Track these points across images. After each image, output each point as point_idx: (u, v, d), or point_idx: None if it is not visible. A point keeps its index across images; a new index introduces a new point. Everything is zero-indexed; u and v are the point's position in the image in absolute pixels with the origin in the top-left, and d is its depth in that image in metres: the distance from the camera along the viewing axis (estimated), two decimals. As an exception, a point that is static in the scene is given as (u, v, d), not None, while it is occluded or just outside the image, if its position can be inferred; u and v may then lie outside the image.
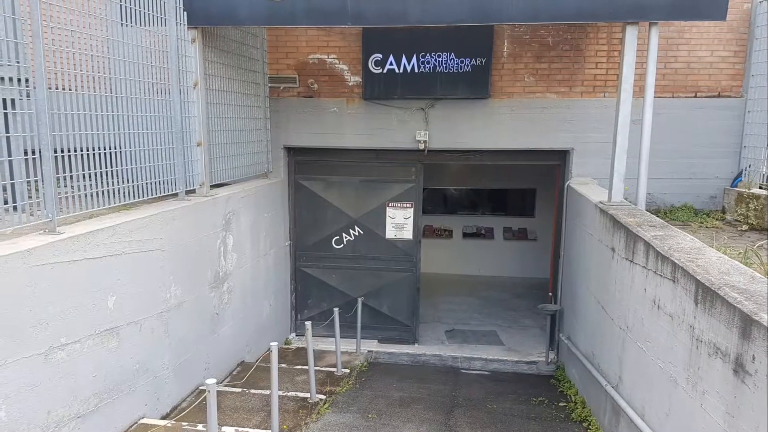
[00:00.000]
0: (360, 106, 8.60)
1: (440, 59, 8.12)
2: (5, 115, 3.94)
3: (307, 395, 6.37)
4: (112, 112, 5.02)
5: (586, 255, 6.84)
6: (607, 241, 5.85)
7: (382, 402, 6.75)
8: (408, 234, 9.16)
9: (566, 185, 8.21)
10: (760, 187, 7.34)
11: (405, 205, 9.11)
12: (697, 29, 7.91)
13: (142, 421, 5.15)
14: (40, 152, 4.15)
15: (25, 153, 4.08)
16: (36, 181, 4.18)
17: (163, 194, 5.79)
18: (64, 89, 4.41)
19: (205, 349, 6.40)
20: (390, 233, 9.19)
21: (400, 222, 9.15)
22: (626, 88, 6.11)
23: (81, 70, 4.59)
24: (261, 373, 6.88)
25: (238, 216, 7.20)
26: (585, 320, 6.90)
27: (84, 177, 4.64)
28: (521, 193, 13.42)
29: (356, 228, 9.26)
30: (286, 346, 9.02)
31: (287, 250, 9.27)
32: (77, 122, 4.56)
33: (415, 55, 8.15)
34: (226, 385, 6.64)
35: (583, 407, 6.56)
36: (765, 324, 2.99)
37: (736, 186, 7.86)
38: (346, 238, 9.31)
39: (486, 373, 8.45)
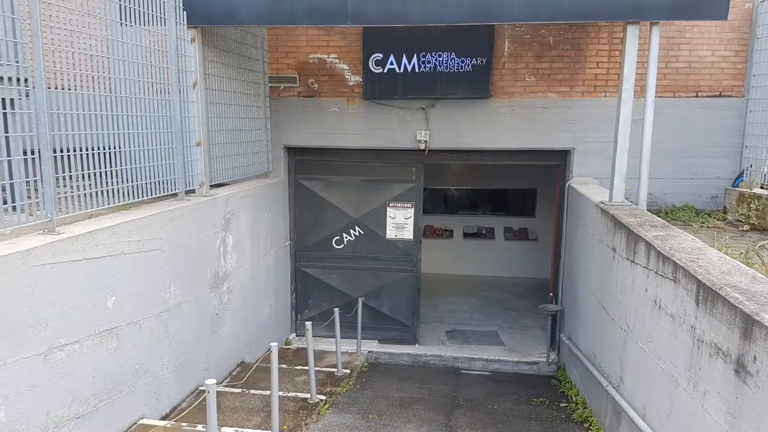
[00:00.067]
0: (360, 106, 8.59)
1: (441, 59, 8.11)
2: (4, 114, 3.93)
3: (308, 396, 6.36)
4: (112, 111, 5.02)
5: (587, 255, 6.83)
6: (608, 241, 5.83)
7: (382, 402, 6.73)
8: (408, 234, 9.15)
9: (567, 185, 8.19)
10: (762, 187, 7.32)
11: (405, 205, 9.10)
12: (698, 29, 7.89)
13: (141, 421, 5.14)
14: (39, 152, 4.14)
15: (25, 153, 4.07)
16: (35, 181, 4.17)
17: (162, 194, 5.78)
18: (63, 89, 4.40)
19: (204, 350, 6.39)
20: (390, 233, 9.18)
21: (400, 222, 9.13)
22: (627, 87, 6.10)
23: (80, 70, 4.59)
24: (261, 373, 6.87)
25: (238, 216, 7.19)
26: (586, 320, 6.88)
27: (83, 177, 4.63)
28: (522, 193, 13.41)
29: (357, 228, 9.25)
30: (287, 347, 9.01)
31: (287, 250, 9.26)
32: (76, 122, 4.55)
33: (415, 55, 8.14)
34: (225, 386, 6.63)
35: (584, 408, 6.54)
36: (766, 324, 2.97)
37: (737, 186, 7.84)
38: (346, 238, 9.30)
39: (487, 373, 8.43)
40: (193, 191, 6.40)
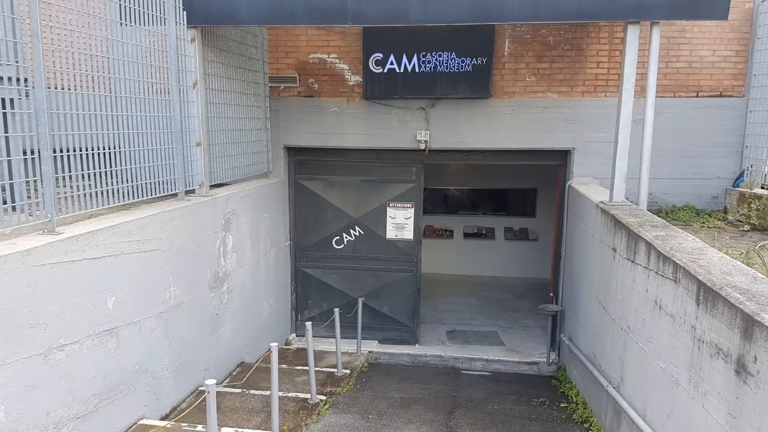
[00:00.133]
0: (360, 106, 8.58)
1: (441, 59, 8.11)
2: (4, 114, 3.92)
3: (308, 396, 6.35)
4: (112, 111, 5.01)
5: (588, 255, 6.82)
6: (609, 242, 5.83)
7: (382, 403, 6.73)
8: (408, 234, 9.14)
9: (567, 185, 8.19)
10: (762, 187, 7.31)
11: (405, 205, 9.09)
12: (698, 29, 7.89)
13: (141, 421, 5.14)
14: (39, 152, 4.14)
15: (24, 153, 4.07)
16: (35, 181, 4.17)
17: (162, 194, 5.78)
18: (63, 89, 4.40)
19: (204, 350, 6.38)
20: (390, 233, 9.18)
21: (400, 222, 9.13)
22: (628, 87, 6.09)
23: (80, 70, 4.58)
24: (261, 373, 6.88)
25: (238, 216, 7.18)
26: (586, 321, 6.88)
27: (83, 177, 4.63)
28: (522, 193, 13.40)
29: (357, 228, 9.25)
30: (287, 347, 9.00)
31: (287, 250, 9.25)
32: (76, 122, 4.55)
33: (415, 55, 8.13)
34: (225, 386, 6.63)
35: (585, 408, 6.54)
36: (767, 325, 2.97)
37: (738, 186, 7.84)
38: (346, 238, 9.30)
39: (487, 373, 8.42)
40: (193, 191, 6.40)
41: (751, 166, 7.65)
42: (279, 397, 5.36)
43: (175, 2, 5.86)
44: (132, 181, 5.28)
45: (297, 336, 9.51)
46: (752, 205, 6.97)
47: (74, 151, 4.49)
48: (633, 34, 5.97)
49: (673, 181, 8.14)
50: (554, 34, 8.06)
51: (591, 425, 6.12)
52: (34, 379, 3.93)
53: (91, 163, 4.69)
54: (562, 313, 8.30)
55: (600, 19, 7.09)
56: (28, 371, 3.89)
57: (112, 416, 4.79)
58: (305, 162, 9.19)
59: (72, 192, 4.55)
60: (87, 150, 4.64)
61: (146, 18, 5.43)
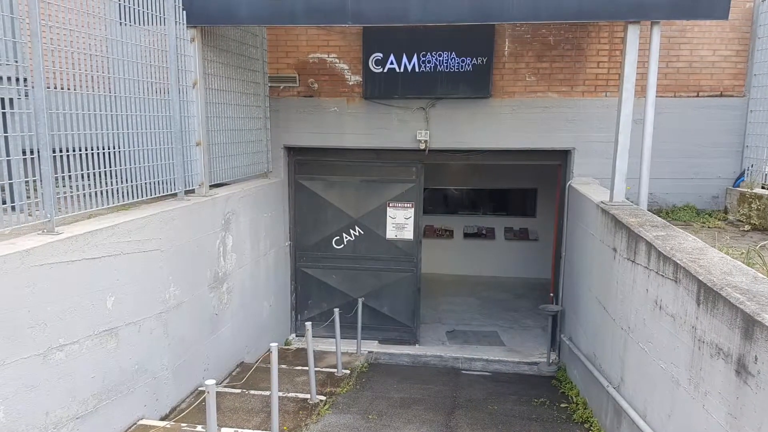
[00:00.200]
0: (360, 106, 8.58)
1: (441, 58, 8.10)
2: (3, 114, 3.92)
3: (308, 396, 6.35)
4: (111, 111, 5.01)
5: (588, 255, 6.82)
6: (609, 242, 5.82)
7: (382, 403, 6.72)
8: (408, 234, 9.14)
9: (568, 185, 8.18)
10: (763, 187, 7.31)
11: (405, 205, 9.09)
12: (699, 28, 7.88)
13: (141, 422, 5.13)
14: (38, 152, 4.13)
15: (24, 152, 4.06)
16: (34, 180, 4.16)
17: (162, 194, 5.77)
18: (62, 88, 4.39)
19: (204, 350, 6.38)
20: (390, 233, 9.17)
21: (400, 222, 9.12)
22: (628, 87, 6.08)
23: (79, 70, 4.58)
24: (261, 373, 6.87)
25: (238, 216, 7.18)
26: (586, 321, 6.87)
27: (83, 177, 4.62)
28: (522, 193, 13.40)
29: (357, 228, 9.24)
30: (286, 347, 9.00)
31: (287, 250, 9.25)
32: (76, 122, 4.54)
33: (415, 55, 8.13)
34: (225, 386, 6.62)
35: (585, 408, 6.53)
36: (768, 325, 2.96)
37: (738, 186, 7.83)
38: (346, 238, 9.29)
39: (487, 373, 8.42)
40: (192, 191, 6.39)
41: (752, 165, 7.64)
42: (279, 397, 5.36)
43: (175, 2, 5.85)
44: (131, 181, 5.27)
45: (297, 336, 9.50)
46: (753, 205, 6.96)
47: (74, 150, 4.49)
48: (633, 33, 5.97)
49: (674, 181, 8.13)
50: (554, 34, 8.06)
51: (591, 425, 6.12)
52: (33, 379, 3.92)
53: (90, 163, 4.68)
54: (563, 313, 8.30)
55: (600, 19, 7.09)
56: (28, 371, 3.88)
57: (112, 416, 4.79)
58: (305, 162, 9.19)
59: (71, 192, 4.55)
60: (86, 150, 4.63)
61: (146, 17, 5.43)
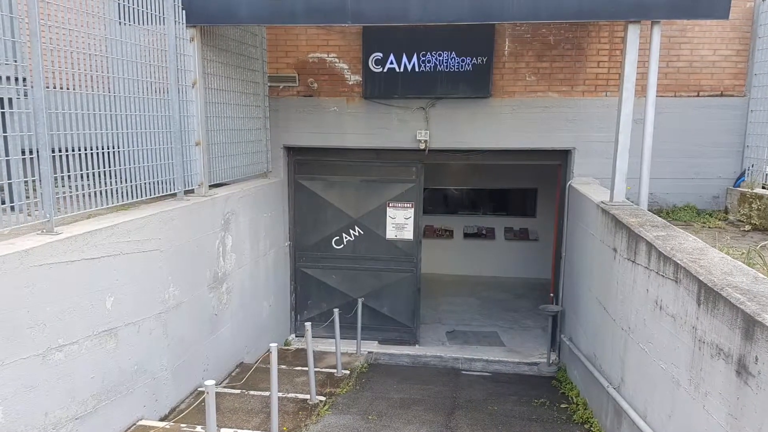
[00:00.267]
0: (360, 106, 8.57)
1: (441, 58, 8.09)
2: (2, 114, 3.91)
3: (307, 396, 6.34)
4: (110, 111, 5.00)
5: (588, 255, 6.81)
6: (609, 242, 5.81)
7: (382, 403, 6.71)
8: (408, 234, 9.13)
9: (568, 185, 8.17)
10: (763, 187, 7.30)
11: (405, 205, 9.08)
12: (699, 28, 7.87)
13: (140, 422, 5.12)
14: (37, 152, 4.13)
15: (23, 152, 4.05)
16: (33, 180, 4.15)
17: (161, 194, 5.76)
18: (61, 88, 4.38)
19: (203, 350, 6.37)
20: (390, 233, 9.16)
21: (400, 222, 9.11)
22: (628, 87, 6.08)
23: (79, 69, 4.57)
24: (260, 374, 6.87)
25: (237, 216, 7.17)
26: (587, 321, 6.86)
27: (82, 177, 4.61)
28: (522, 193, 13.39)
29: (356, 228, 9.23)
30: (286, 347, 8.99)
31: (287, 251, 9.24)
32: (75, 121, 4.53)
33: (415, 54, 8.12)
34: (225, 387, 6.61)
35: (585, 409, 6.52)
36: (769, 325, 2.96)
37: (738, 186, 7.82)
38: (346, 238, 9.28)
39: (487, 374, 8.41)
40: (192, 191, 6.38)
41: (752, 165, 7.64)
42: (278, 397, 5.35)
43: (174, 1, 5.85)
44: (131, 181, 5.26)
45: (296, 336, 9.49)
46: (753, 205, 6.95)
47: (73, 150, 4.48)
48: (633, 33, 5.96)
49: (674, 181, 8.13)
50: (554, 34, 8.05)
51: (591, 426, 6.11)
52: (32, 379, 3.92)
53: (89, 163, 4.67)
54: (563, 314, 8.29)
55: (600, 19, 7.08)
56: (27, 372, 3.87)
57: (111, 417, 4.78)
58: (305, 162, 9.18)
59: (71, 192, 4.54)
60: (86, 150, 4.62)
61: (145, 17, 5.42)
